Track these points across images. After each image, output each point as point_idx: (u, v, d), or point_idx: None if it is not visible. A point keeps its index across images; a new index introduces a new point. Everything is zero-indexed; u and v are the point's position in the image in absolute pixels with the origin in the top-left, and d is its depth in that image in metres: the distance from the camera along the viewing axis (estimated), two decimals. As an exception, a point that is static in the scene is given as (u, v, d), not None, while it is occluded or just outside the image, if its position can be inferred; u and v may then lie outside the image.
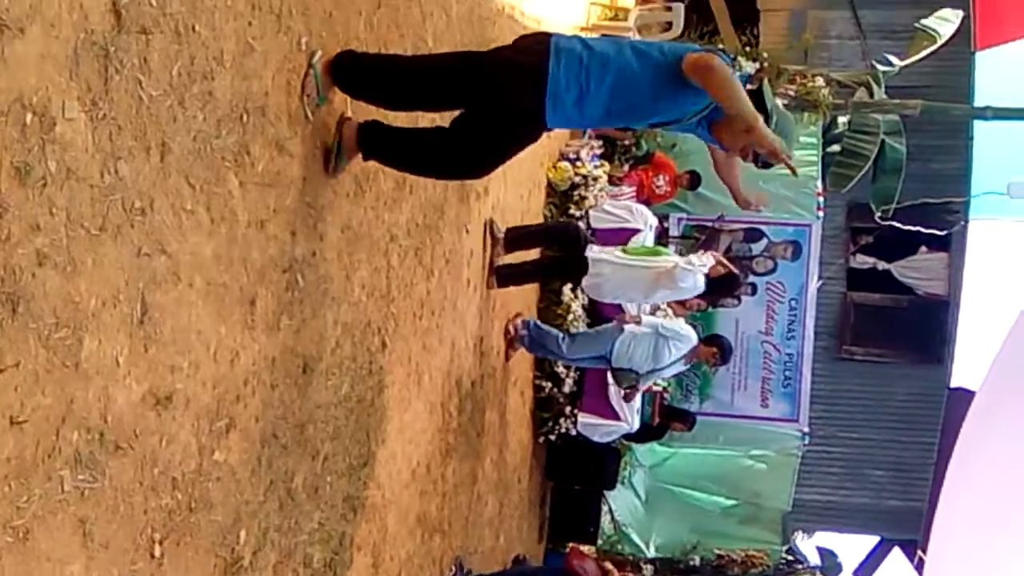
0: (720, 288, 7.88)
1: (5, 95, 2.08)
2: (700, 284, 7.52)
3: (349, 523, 4.41)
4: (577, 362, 8.64)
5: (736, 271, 7.74)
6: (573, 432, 9.43)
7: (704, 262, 7.60)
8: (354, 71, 3.90)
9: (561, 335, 8.12)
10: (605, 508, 11.27)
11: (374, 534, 4.78)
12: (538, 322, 8.24)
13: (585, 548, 11.30)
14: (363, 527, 4.60)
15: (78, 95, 2.31)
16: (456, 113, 4.08)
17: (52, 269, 2.25)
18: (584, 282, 7.80)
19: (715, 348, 7.97)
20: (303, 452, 3.82)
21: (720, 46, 6.84)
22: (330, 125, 3.89)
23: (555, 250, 8.13)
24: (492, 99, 3.89)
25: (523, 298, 8.37)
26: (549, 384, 9.14)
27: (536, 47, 3.84)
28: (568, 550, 6.61)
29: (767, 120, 3.91)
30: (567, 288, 8.94)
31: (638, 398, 9.15)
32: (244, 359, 3.23)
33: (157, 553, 2.76)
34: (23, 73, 2.12)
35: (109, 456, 2.51)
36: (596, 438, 9.58)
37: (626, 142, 10.86)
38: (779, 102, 4.14)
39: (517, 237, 7.22)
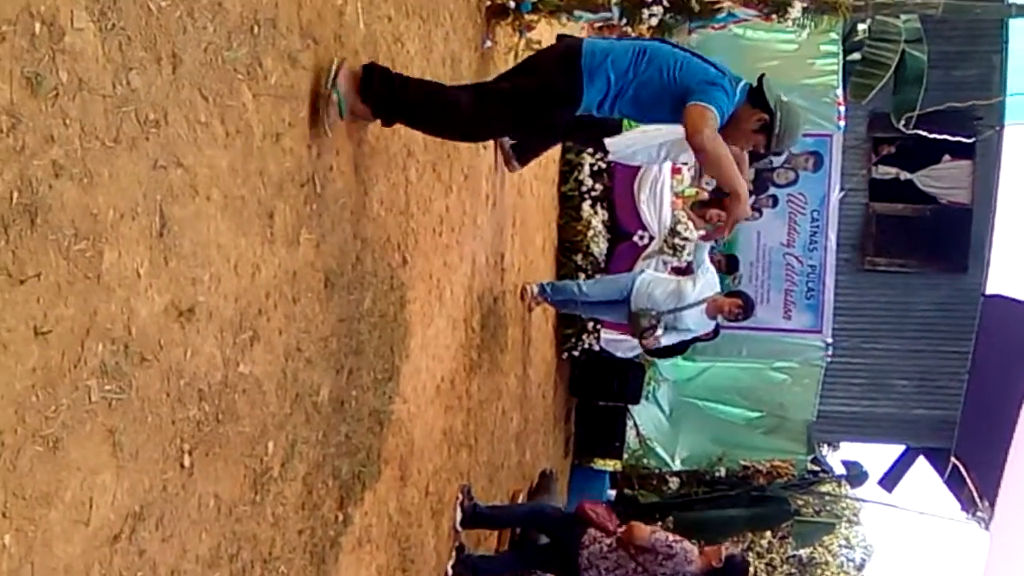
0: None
1: (12, 4, 2.06)
2: None
3: (376, 436, 4.46)
4: (597, 309, 8.52)
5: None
6: (596, 348, 9.48)
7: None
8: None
9: (578, 284, 8.11)
10: (630, 423, 11.37)
11: (401, 448, 4.83)
12: (552, 282, 8.22)
13: (611, 463, 11.43)
14: (390, 440, 4.66)
15: (86, 4, 2.29)
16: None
17: (69, 180, 2.25)
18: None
19: (739, 300, 7.89)
20: (327, 366, 3.85)
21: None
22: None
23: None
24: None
25: (543, 215, 8.36)
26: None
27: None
28: (579, 507, 6.53)
29: (771, 118, 4.07)
30: (586, 205, 8.92)
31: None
32: (265, 272, 3.24)
33: (187, 463, 2.80)
34: (29, -19, 2.11)
35: (135, 367, 2.54)
36: (619, 354, 9.63)
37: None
38: (782, 96, 4.17)
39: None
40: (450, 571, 6.04)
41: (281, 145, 3.32)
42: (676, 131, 6.64)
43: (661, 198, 9.33)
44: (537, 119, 4.33)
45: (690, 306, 7.68)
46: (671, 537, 6.18)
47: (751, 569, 6.46)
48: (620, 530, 6.21)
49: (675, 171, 9.72)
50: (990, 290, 13.57)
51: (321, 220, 3.70)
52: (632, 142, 7.34)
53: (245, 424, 3.16)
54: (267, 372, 3.30)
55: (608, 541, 6.18)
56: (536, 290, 7.82)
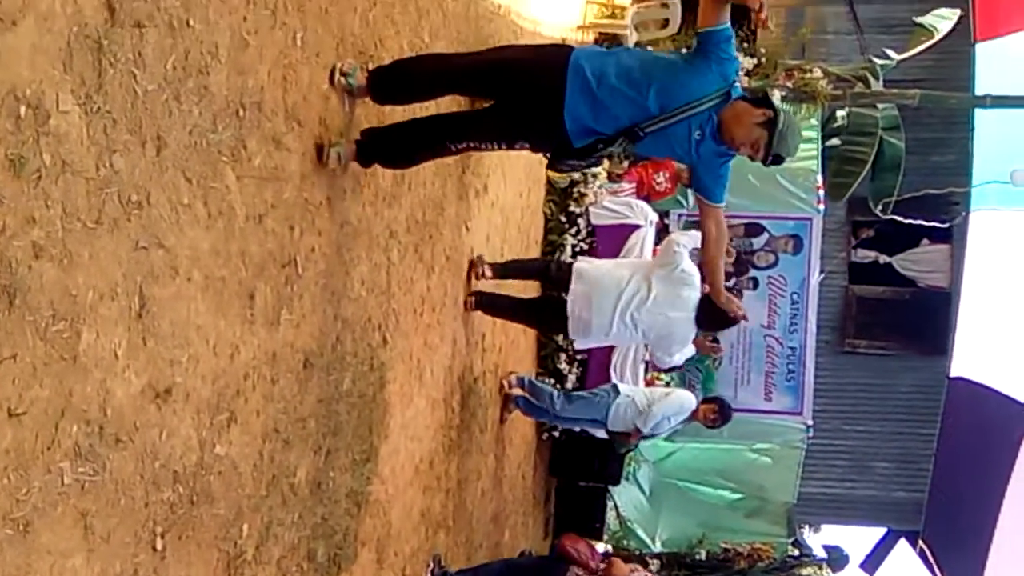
0: (711, 314, 6.34)
1: (-1, 87, 2.09)
2: (696, 275, 6.42)
3: (353, 518, 4.41)
4: (570, 423, 8.50)
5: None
6: (577, 428, 9.42)
7: (696, 240, 6.44)
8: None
9: (555, 392, 8.01)
10: (610, 504, 11.28)
11: (378, 529, 4.78)
12: (532, 378, 8.12)
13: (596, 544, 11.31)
14: (367, 522, 4.61)
15: (72, 88, 2.31)
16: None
17: (48, 261, 2.26)
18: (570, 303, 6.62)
19: (714, 406, 7.89)
20: (305, 447, 3.82)
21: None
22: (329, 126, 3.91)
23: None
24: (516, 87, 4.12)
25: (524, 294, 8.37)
26: (552, 380, 9.14)
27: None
28: (562, 539, 6.61)
29: (775, 114, 4.04)
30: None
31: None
32: (244, 353, 3.23)
33: (159, 546, 2.77)
34: (17, 65, 2.13)
35: (109, 449, 2.52)
36: (599, 434, 9.57)
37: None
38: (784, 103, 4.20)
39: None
40: None
41: (263, 226, 3.34)
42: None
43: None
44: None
45: (667, 430, 7.73)
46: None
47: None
48: (601, 568, 6.18)
49: (656, 252, 9.78)
50: (957, 372, 13.66)
51: (302, 301, 3.70)
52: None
53: (220, 506, 3.13)
54: (243, 454, 3.27)
55: None
56: (515, 380, 7.73)
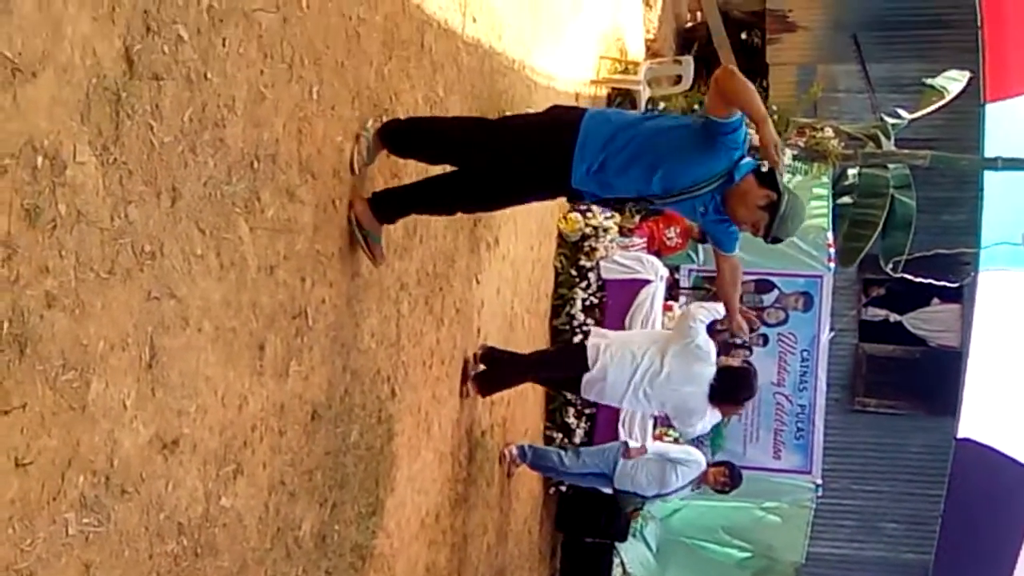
0: (727, 387, 6.45)
1: (16, 138, 2.10)
2: (711, 349, 6.46)
3: (357, 572, 4.38)
4: (579, 479, 8.44)
5: (749, 367, 6.83)
6: (584, 484, 9.36)
7: (717, 311, 6.39)
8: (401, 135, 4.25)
9: (561, 451, 8.00)
10: (616, 560, 11.16)
11: (382, 584, 4.74)
12: (534, 445, 8.05)
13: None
14: (371, 577, 4.57)
15: (89, 139, 2.33)
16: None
17: (60, 311, 2.26)
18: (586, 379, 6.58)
19: (724, 469, 7.83)
20: (311, 499, 3.80)
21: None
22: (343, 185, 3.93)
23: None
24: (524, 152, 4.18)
25: (533, 347, 8.36)
26: (560, 435, 9.11)
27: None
28: None
29: (779, 197, 4.08)
30: (577, 339, 8.93)
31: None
32: (252, 405, 3.23)
33: (162, 600, 2.75)
34: (35, 117, 2.15)
35: (115, 500, 2.51)
36: (607, 490, 9.51)
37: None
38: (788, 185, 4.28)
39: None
40: None
41: (275, 277, 3.34)
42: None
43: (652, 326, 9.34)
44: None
45: (674, 492, 7.64)
46: None
47: None
48: None
49: (667, 307, 9.78)
50: (964, 433, 13.58)
51: (311, 353, 3.70)
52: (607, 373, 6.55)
53: (224, 559, 3.10)
54: (249, 506, 3.26)
55: None
56: (515, 452, 7.66)
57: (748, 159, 4.14)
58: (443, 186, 4.38)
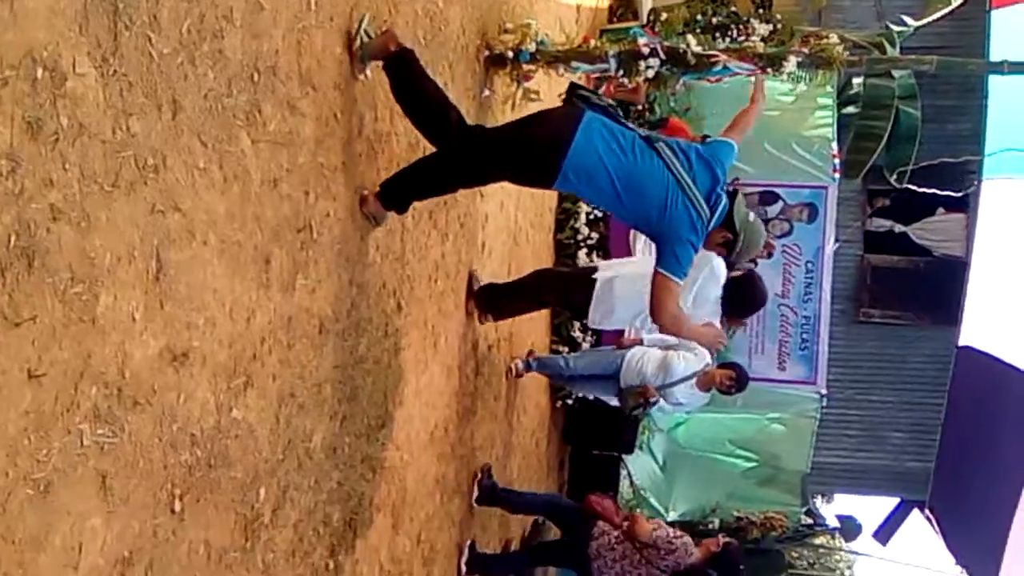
0: (736, 300, 6.62)
1: (15, 49, 2.08)
2: (721, 272, 6.48)
3: (368, 483, 4.44)
4: (585, 386, 8.48)
5: (753, 274, 6.84)
6: (591, 397, 9.44)
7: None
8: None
9: (565, 357, 8.04)
10: (624, 472, 11.30)
11: (393, 495, 4.81)
12: (538, 357, 8.07)
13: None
14: (382, 488, 4.63)
15: (88, 51, 2.31)
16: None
17: (66, 224, 2.27)
18: (593, 307, 6.69)
19: (731, 372, 7.82)
20: (321, 412, 3.84)
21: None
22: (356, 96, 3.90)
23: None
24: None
25: (538, 262, 8.37)
26: (566, 349, 9.14)
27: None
28: (587, 500, 6.85)
29: (735, 238, 4.39)
30: (582, 253, 8.94)
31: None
32: (260, 318, 3.24)
33: (177, 508, 2.79)
34: (33, 28, 2.13)
35: (128, 411, 2.53)
36: (613, 403, 9.58)
37: (639, 107, 10.81)
38: (750, 215, 4.50)
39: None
40: (475, 501, 6.49)
41: (279, 191, 3.34)
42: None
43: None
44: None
45: (679, 381, 7.63)
46: (671, 533, 6.56)
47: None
48: (625, 524, 6.58)
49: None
50: (965, 342, 13.65)
51: (317, 266, 3.71)
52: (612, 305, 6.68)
53: (237, 470, 3.15)
54: (260, 418, 3.29)
55: (615, 534, 6.57)
56: (521, 366, 7.70)
57: (722, 207, 4.32)
58: (437, 170, 4.47)
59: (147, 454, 2.64)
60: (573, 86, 4.60)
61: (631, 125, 4.44)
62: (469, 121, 4.49)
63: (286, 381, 3.49)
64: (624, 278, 6.59)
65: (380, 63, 4.17)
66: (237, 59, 3.01)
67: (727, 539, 6.80)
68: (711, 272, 6.34)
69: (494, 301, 6.43)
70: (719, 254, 4.62)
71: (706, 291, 6.33)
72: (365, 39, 4.05)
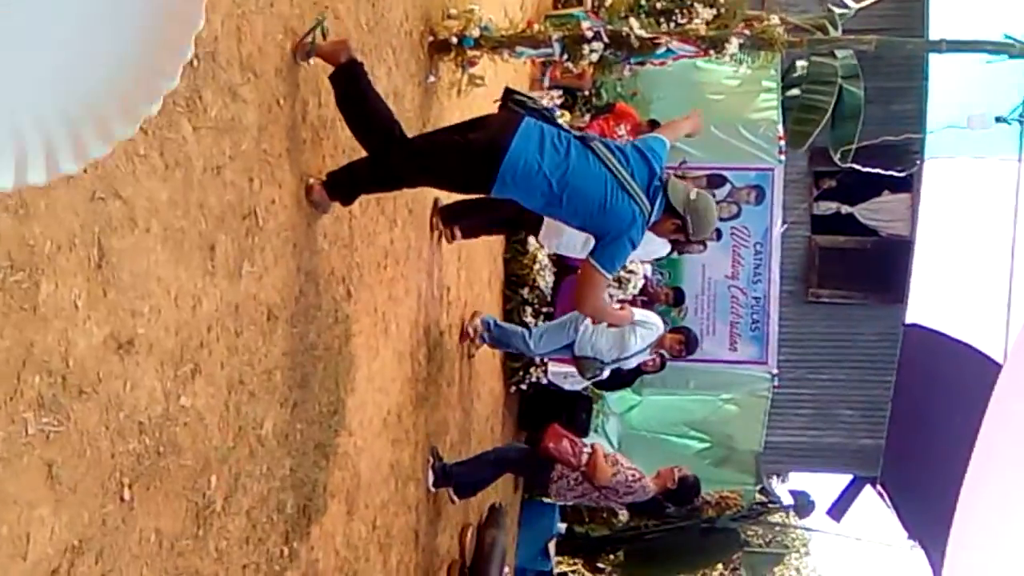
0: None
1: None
2: None
3: (321, 470, 4.44)
4: (545, 355, 8.57)
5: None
6: (544, 381, 9.50)
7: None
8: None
9: (525, 332, 8.05)
10: (579, 456, 11.35)
11: (347, 481, 4.81)
12: (498, 321, 8.11)
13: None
14: (336, 474, 4.64)
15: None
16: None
17: (4, 211, 2.25)
18: (543, 231, 7.06)
19: (681, 336, 7.95)
20: (271, 399, 3.84)
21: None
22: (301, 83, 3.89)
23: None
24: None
25: (488, 249, 8.40)
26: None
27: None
28: (546, 431, 6.93)
29: (683, 222, 4.47)
30: (533, 239, 8.96)
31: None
32: (206, 305, 3.23)
33: (127, 497, 2.78)
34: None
35: (73, 399, 2.52)
36: (567, 386, 9.65)
37: (586, 92, 10.86)
38: (692, 192, 4.53)
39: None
40: (431, 485, 6.54)
41: (222, 178, 3.33)
42: None
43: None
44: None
45: (634, 355, 7.73)
46: (630, 477, 6.78)
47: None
48: (583, 466, 6.77)
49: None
50: (912, 319, 13.84)
51: (263, 253, 3.70)
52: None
53: (187, 457, 3.14)
54: (209, 405, 3.28)
55: (574, 475, 6.80)
56: (480, 325, 7.71)
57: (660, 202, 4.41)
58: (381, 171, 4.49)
59: (94, 442, 2.62)
60: (508, 91, 4.61)
61: (567, 127, 4.49)
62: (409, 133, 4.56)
63: (235, 368, 3.49)
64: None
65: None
66: (176, 45, 2.99)
67: (682, 473, 6.99)
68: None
69: (458, 216, 6.63)
70: (680, 240, 4.73)
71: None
72: (319, 39, 4.06)
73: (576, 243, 6.81)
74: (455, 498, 6.88)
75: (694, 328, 12.02)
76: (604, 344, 7.68)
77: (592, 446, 6.98)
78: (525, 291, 9.17)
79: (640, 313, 8.00)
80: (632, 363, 7.68)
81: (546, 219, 6.69)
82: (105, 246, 2.64)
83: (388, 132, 4.35)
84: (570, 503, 7.17)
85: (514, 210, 7.11)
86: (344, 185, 4.33)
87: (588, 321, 7.69)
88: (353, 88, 4.28)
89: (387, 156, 4.35)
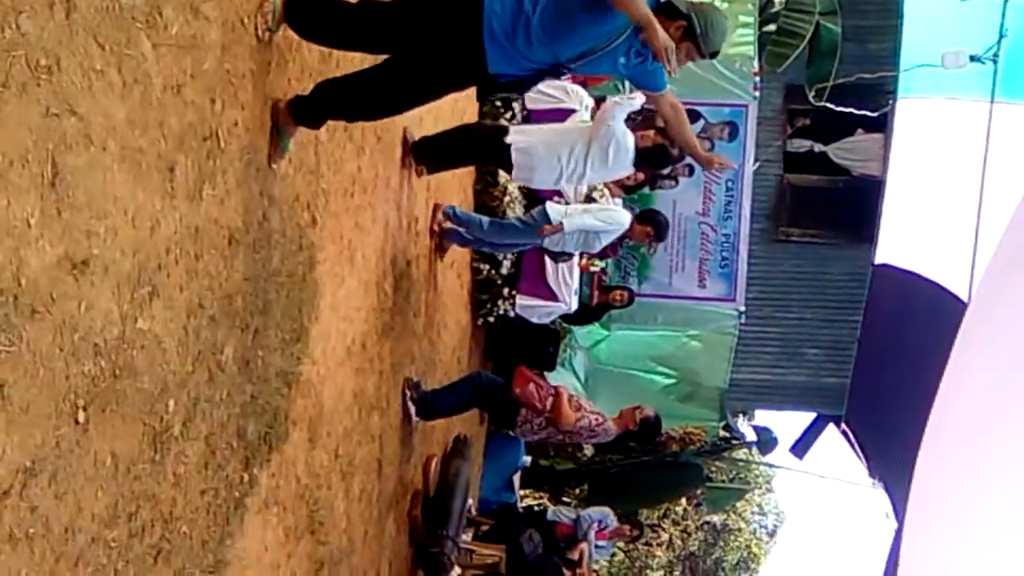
0: (648, 162, 7.28)
1: None
2: (629, 143, 6.77)
3: (283, 398, 4.42)
4: (502, 248, 8.51)
5: (665, 143, 7.13)
6: (512, 314, 9.49)
7: (632, 103, 6.81)
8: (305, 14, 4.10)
9: (484, 220, 7.99)
10: (546, 389, 11.39)
11: (309, 409, 4.79)
12: (457, 209, 8.05)
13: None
14: (298, 402, 4.62)
15: (-30, -58, 2.21)
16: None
17: (-48, 124, 2.19)
18: (515, 172, 6.93)
19: (649, 227, 7.93)
20: (232, 324, 3.79)
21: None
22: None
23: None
24: (431, 42, 4.08)
25: (458, 179, 8.33)
26: (487, 266, 9.17)
27: None
28: (515, 374, 6.99)
29: (688, 21, 4.13)
30: (503, 170, 8.88)
31: (575, 277, 9.22)
32: (165, 227, 3.17)
33: (81, 419, 2.74)
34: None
35: (25, 320, 2.47)
36: (535, 319, 9.66)
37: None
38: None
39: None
40: (416, 415, 6.77)
41: (182, 97, 3.25)
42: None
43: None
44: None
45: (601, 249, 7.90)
46: (593, 422, 6.89)
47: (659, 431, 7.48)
48: (548, 411, 6.87)
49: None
50: (882, 259, 13.89)
51: (225, 176, 3.63)
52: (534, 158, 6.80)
53: (144, 381, 3.10)
54: (167, 329, 3.24)
55: (539, 420, 6.91)
56: (442, 217, 7.63)
57: None
58: (357, 87, 4.33)
59: (47, 364, 2.58)
60: None
61: None
62: None
63: (194, 292, 3.44)
64: (542, 144, 6.72)
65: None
66: (135, -42, 2.91)
67: (644, 414, 7.07)
68: (619, 145, 6.55)
69: (427, 150, 6.62)
70: (686, 52, 4.15)
71: (620, 160, 6.68)
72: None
73: (548, 178, 6.84)
74: (415, 417, 6.88)
75: (664, 263, 12.11)
76: (571, 245, 7.78)
77: (556, 389, 7.01)
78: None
79: (603, 217, 7.90)
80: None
81: (516, 152, 6.64)
82: (59, 164, 2.57)
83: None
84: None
85: (483, 148, 7.10)
86: (311, 107, 4.22)
87: (551, 214, 7.62)
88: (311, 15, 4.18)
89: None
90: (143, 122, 2.99)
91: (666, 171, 6.87)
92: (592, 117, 9.30)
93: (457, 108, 7.83)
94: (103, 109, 2.76)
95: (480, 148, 7.03)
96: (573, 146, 6.67)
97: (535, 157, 6.69)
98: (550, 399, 6.86)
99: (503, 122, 8.93)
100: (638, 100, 6.65)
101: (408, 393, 6.62)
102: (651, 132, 7.33)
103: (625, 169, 6.92)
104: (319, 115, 4.35)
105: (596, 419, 6.88)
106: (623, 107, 6.67)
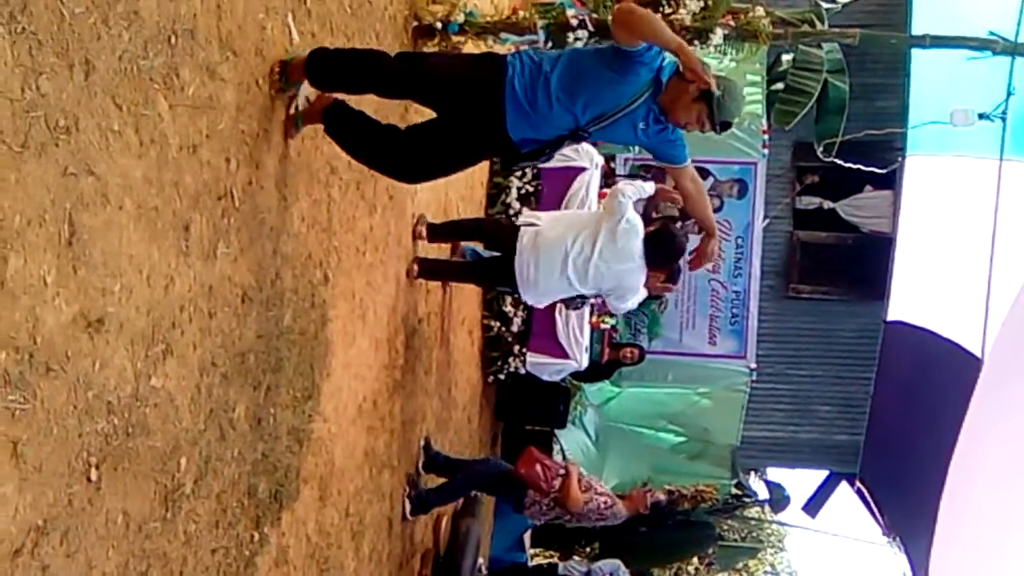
0: (658, 253, 6.41)
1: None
2: (638, 226, 6.36)
3: (294, 455, 4.41)
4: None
5: (665, 227, 6.62)
6: (522, 371, 9.47)
7: (642, 191, 6.54)
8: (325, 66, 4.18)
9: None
10: (556, 447, 11.37)
11: (320, 467, 4.78)
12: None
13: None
14: (309, 460, 4.60)
15: (-7, 6, 2.25)
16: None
17: (-28, 184, 2.21)
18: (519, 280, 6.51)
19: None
20: (244, 382, 3.80)
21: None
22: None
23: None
24: (455, 110, 4.23)
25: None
26: (497, 323, 9.18)
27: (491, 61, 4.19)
28: (523, 453, 6.94)
29: (709, 92, 4.03)
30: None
31: (586, 335, 9.20)
32: (179, 285, 3.19)
33: (94, 477, 2.74)
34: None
35: (40, 377, 2.48)
36: (545, 377, 9.63)
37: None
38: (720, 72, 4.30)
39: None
40: (408, 514, 6.59)
41: (198, 157, 3.29)
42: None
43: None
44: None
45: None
46: (603, 504, 6.77)
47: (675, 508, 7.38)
48: (556, 492, 6.77)
49: (602, 195, 9.77)
50: (894, 316, 13.84)
51: (239, 234, 3.66)
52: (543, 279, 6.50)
53: (156, 439, 3.10)
54: (180, 387, 3.25)
55: (547, 501, 6.81)
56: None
57: (669, 60, 4.12)
58: (383, 144, 4.47)
59: (61, 421, 2.59)
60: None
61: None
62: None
63: (207, 350, 3.45)
64: (545, 231, 6.54)
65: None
66: (153, 20, 2.95)
67: (655, 498, 7.07)
68: (629, 225, 6.27)
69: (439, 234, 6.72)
70: (699, 116, 4.09)
71: (629, 246, 6.26)
72: (303, 105, 4.16)
73: (550, 288, 6.53)
74: (409, 516, 6.70)
75: (674, 321, 12.09)
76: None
77: (567, 468, 6.92)
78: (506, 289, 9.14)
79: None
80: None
81: (519, 268, 6.43)
82: (76, 222, 2.59)
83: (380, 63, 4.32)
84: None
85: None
86: (327, 67, 4.22)
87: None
88: (344, 121, 4.35)
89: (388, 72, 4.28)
90: (159, 181, 3.02)
91: (680, 262, 6.51)
92: (602, 177, 9.34)
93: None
94: (120, 169, 2.79)
95: (488, 270, 7.06)
96: (582, 227, 6.42)
97: (542, 243, 6.43)
98: (558, 479, 6.79)
99: (513, 180, 8.98)
100: (649, 187, 6.46)
101: (406, 489, 6.53)
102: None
103: (636, 258, 6.31)
104: (335, 132, 4.45)
105: (605, 501, 6.81)
106: (635, 189, 6.40)
